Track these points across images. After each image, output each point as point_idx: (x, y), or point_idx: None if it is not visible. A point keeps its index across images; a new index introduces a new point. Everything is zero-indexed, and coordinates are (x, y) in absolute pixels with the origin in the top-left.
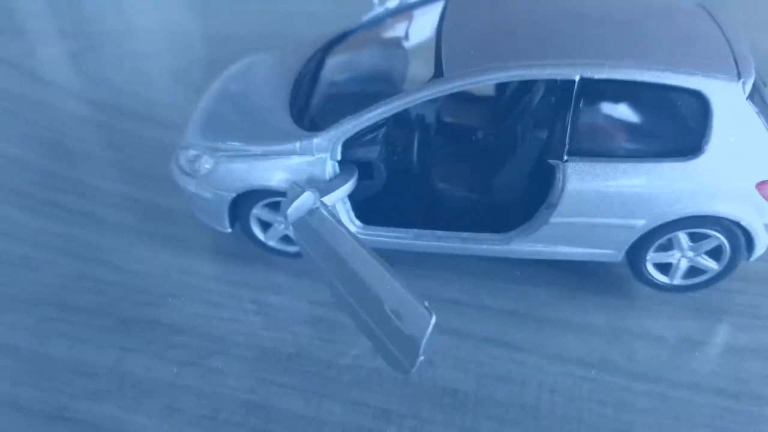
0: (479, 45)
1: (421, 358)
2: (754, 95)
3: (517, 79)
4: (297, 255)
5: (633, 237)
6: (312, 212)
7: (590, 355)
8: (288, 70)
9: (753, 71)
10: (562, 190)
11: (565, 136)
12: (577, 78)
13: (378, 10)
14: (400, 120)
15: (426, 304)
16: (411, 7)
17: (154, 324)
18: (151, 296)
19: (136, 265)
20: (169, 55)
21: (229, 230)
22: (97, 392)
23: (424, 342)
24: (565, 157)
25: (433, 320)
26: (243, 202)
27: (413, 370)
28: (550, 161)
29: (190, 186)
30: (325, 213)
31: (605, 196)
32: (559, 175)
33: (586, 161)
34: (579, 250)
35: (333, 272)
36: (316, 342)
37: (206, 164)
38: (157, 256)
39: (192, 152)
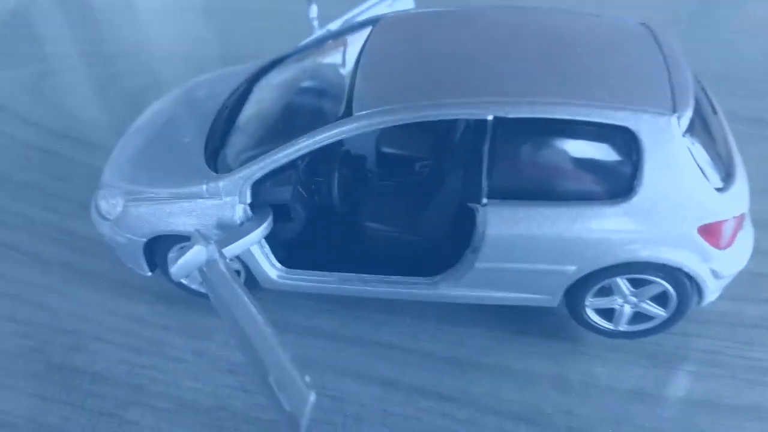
0: (394, 80)
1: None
2: (694, 129)
3: (429, 119)
4: None
5: (566, 282)
6: (210, 264)
7: (526, 408)
8: (214, 100)
9: (691, 102)
10: (483, 234)
11: (483, 178)
12: (490, 118)
13: (318, 32)
14: (321, 155)
15: (307, 379)
16: (348, 32)
17: (76, 371)
18: (78, 339)
19: (67, 305)
20: (129, 77)
21: (149, 273)
22: None
23: (304, 421)
24: (485, 200)
25: (312, 398)
26: (159, 246)
27: None
28: (469, 204)
29: (105, 229)
30: (221, 267)
31: (530, 240)
32: (480, 219)
33: (506, 204)
34: (510, 295)
35: (229, 328)
36: (236, 393)
37: (118, 207)
38: (90, 296)
39: (104, 193)
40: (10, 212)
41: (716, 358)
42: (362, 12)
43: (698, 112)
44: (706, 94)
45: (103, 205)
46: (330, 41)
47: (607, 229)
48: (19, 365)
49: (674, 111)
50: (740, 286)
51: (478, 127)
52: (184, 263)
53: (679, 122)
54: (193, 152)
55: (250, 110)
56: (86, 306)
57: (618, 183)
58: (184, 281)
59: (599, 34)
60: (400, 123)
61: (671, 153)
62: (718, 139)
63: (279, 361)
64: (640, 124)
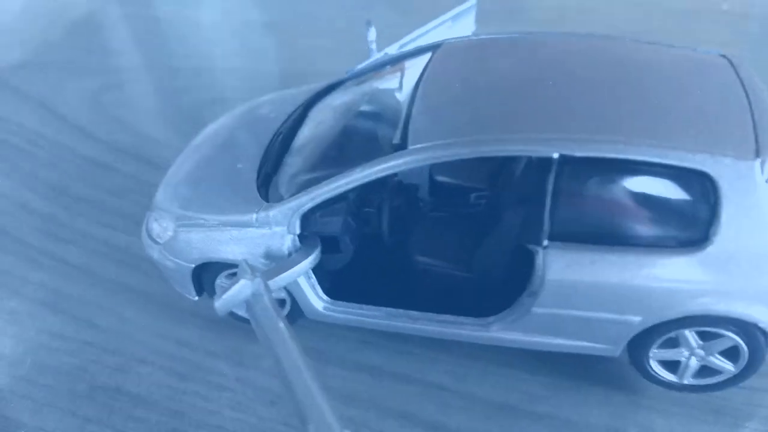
0: (452, 112)
1: None
2: None
3: (488, 155)
4: None
5: (630, 333)
6: (255, 298)
7: None
8: (271, 124)
9: None
10: (543, 278)
11: (544, 219)
12: (555, 155)
13: (376, 56)
14: (372, 185)
15: None
16: (408, 57)
17: (119, 392)
18: (123, 360)
19: (115, 325)
20: (190, 93)
21: (196, 298)
22: None
23: None
24: (545, 242)
25: None
26: (208, 270)
27: None
28: (529, 246)
29: (154, 253)
30: (266, 302)
31: (593, 287)
32: (539, 262)
33: (569, 248)
34: (569, 342)
35: (273, 361)
36: (277, 427)
37: (168, 231)
38: (138, 316)
39: (155, 216)
40: (65, 226)
41: None
42: (421, 35)
43: None
44: None
45: (155, 227)
46: (388, 66)
47: (678, 279)
48: (64, 383)
49: (758, 155)
50: None
51: (541, 163)
52: (229, 298)
53: (763, 168)
54: (246, 179)
55: (303, 137)
56: (133, 326)
57: (692, 231)
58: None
59: (675, 67)
60: (457, 158)
61: (753, 201)
62: None
63: (320, 410)
64: (720, 168)
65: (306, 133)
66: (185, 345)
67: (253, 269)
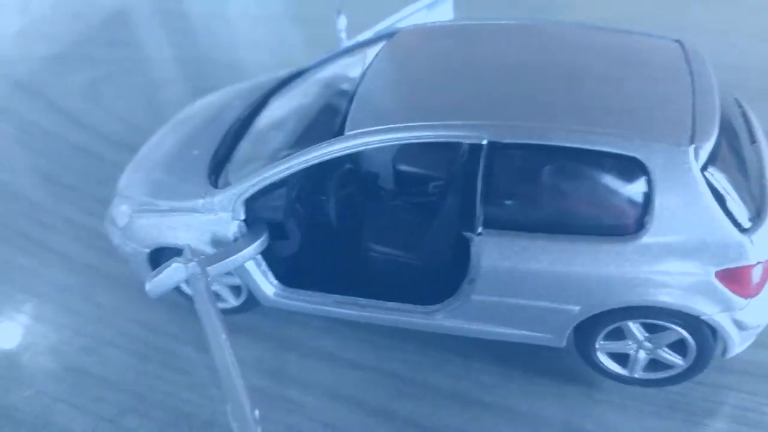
0: (392, 99)
1: None
2: (717, 161)
3: (420, 141)
4: (234, 310)
5: (570, 323)
6: (192, 281)
7: None
8: (231, 113)
9: (714, 132)
10: (478, 265)
11: (477, 206)
12: (484, 142)
13: (345, 44)
14: (323, 172)
15: (256, 413)
16: (366, 45)
17: (86, 374)
18: (93, 342)
19: (88, 308)
20: (182, 82)
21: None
22: None
23: None
24: (480, 230)
25: None
26: (165, 257)
27: None
28: (464, 233)
29: (115, 238)
30: (200, 286)
31: (528, 275)
32: (474, 249)
33: (503, 235)
34: (511, 331)
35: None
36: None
37: (125, 216)
38: (111, 301)
39: (116, 201)
40: (50, 212)
41: (748, 415)
42: (396, 22)
43: (728, 142)
44: (747, 120)
45: (115, 212)
46: (348, 55)
47: (614, 268)
48: (36, 363)
49: (692, 141)
50: None
51: (474, 151)
52: (159, 280)
53: (696, 154)
54: (199, 165)
55: (258, 125)
56: (105, 310)
57: (627, 218)
58: (187, 290)
59: (622, 52)
60: (391, 143)
61: (686, 188)
62: (752, 173)
63: (235, 391)
64: (651, 154)
65: (261, 121)
66: (151, 329)
67: (196, 254)
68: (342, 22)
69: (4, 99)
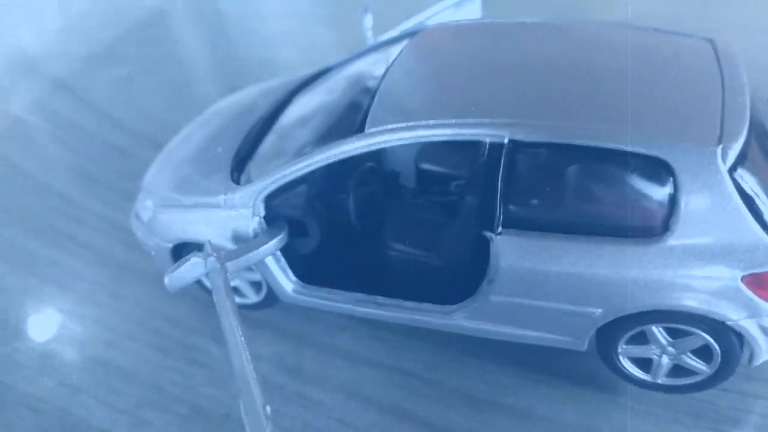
0: (413, 97)
1: None
2: (746, 162)
3: (441, 139)
4: (254, 306)
5: (592, 326)
6: (211, 275)
7: None
8: (255, 112)
9: (743, 132)
10: (498, 265)
11: (497, 205)
12: (505, 140)
13: (371, 42)
14: (345, 170)
15: (268, 410)
16: (389, 44)
17: (107, 366)
18: (115, 335)
19: (111, 301)
20: (211, 81)
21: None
22: (37, 429)
23: None
24: (499, 229)
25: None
26: (186, 251)
27: None
28: (484, 233)
29: (139, 232)
30: (219, 281)
31: (548, 276)
32: (494, 249)
33: (522, 235)
34: (530, 333)
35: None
36: None
37: (149, 211)
38: (134, 294)
39: (141, 197)
40: (79, 207)
41: None
42: (424, 21)
43: (759, 143)
44: None
45: (140, 207)
46: (371, 54)
47: (637, 270)
48: (57, 354)
49: (720, 142)
50: None
51: (494, 149)
52: (179, 275)
53: (724, 155)
54: (222, 162)
55: (281, 123)
56: (129, 304)
57: (651, 220)
58: (209, 285)
59: (653, 52)
60: (411, 141)
61: (713, 189)
62: None
63: (248, 386)
64: (677, 155)
65: (284, 120)
66: (172, 322)
67: (216, 250)
68: (368, 20)
69: (41, 95)
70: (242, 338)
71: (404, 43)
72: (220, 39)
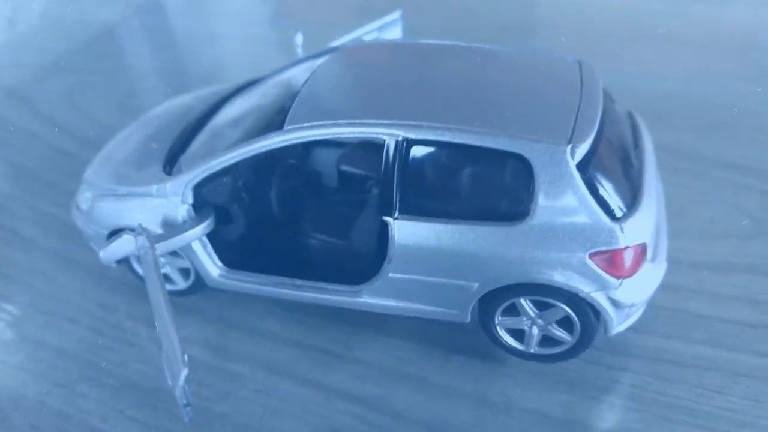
0: (326, 101)
1: (188, 407)
2: (593, 159)
3: (345, 135)
4: (182, 292)
5: (472, 299)
6: (140, 256)
7: (436, 419)
8: (190, 114)
9: (590, 135)
10: (394, 245)
11: (394, 194)
12: (400, 138)
13: (300, 55)
14: (267, 165)
15: (186, 357)
16: (313, 58)
17: (43, 345)
18: (53, 319)
19: (51, 288)
20: (161, 92)
21: (114, 265)
22: None
23: (177, 391)
24: (396, 214)
25: (184, 373)
26: None
27: (186, 420)
28: (384, 218)
29: (79, 221)
30: (149, 257)
31: (435, 255)
32: (391, 232)
33: (414, 220)
34: (424, 307)
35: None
36: None
37: (88, 200)
38: (72, 282)
39: (81, 189)
40: (26, 205)
41: (634, 391)
42: (350, 40)
43: (611, 146)
44: (635, 131)
45: (80, 198)
46: (298, 66)
47: (504, 249)
48: None
49: (570, 142)
50: (674, 324)
51: (391, 147)
52: (112, 249)
53: (572, 152)
54: (156, 156)
55: (213, 124)
56: (67, 291)
57: (515, 206)
58: (141, 272)
59: (527, 69)
60: (322, 138)
61: (563, 180)
62: (630, 172)
63: (169, 339)
64: (533, 152)
65: (216, 120)
66: (109, 308)
67: (146, 231)
68: (299, 38)
69: None
70: (166, 299)
71: (326, 57)
72: (167, 55)
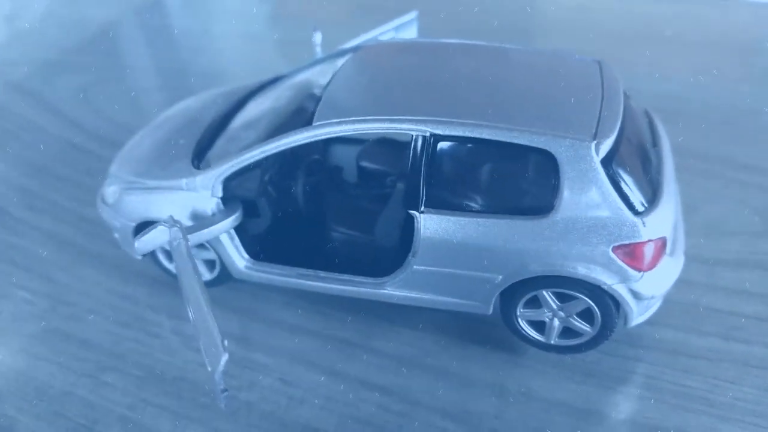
0: (353, 99)
1: (225, 393)
2: (616, 155)
3: (374, 131)
4: (208, 284)
5: (494, 291)
6: (173, 244)
7: (456, 407)
8: (215, 110)
9: (614, 131)
10: (420, 238)
11: (421, 188)
12: (427, 134)
13: (319, 54)
14: (296, 161)
15: (225, 343)
16: (336, 57)
17: (68, 336)
18: (76, 310)
19: (72, 281)
20: (165, 90)
21: (139, 257)
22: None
23: (217, 377)
24: (422, 208)
25: (225, 358)
26: None
27: (222, 405)
28: (410, 211)
29: (105, 214)
30: (182, 247)
31: (460, 248)
32: (417, 225)
33: (441, 213)
34: (447, 299)
35: (185, 298)
36: (200, 368)
37: (116, 194)
38: (93, 275)
39: (108, 182)
40: (42, 198)
41: (650, 382)
42: (367, 40)
43: (631, 143)
44: (653, 128)
45: (106, 191)
46: (319, 65)
47: (529, 242)
48: (21, 327)
49: (594, 138)
50: (689, 317)
51: (419, 142)
52: (147, 240)
53: (596, 148)
54: (184, 152)
55: (238, 120)
56: (88, 283)
57: (540, 201)
58: (166, 265)
59: (550, 69)
60: (351, 133)
61: (588, 176)
62: (650, 169)
63: (207, 327)
64: (559, 148)
65: (242, 116)
66: (131, 300)
67: (178, 222)
68: (318, 37)
69: (2, 97)
70: (202, 287)
71: (347, 56)
72: (170, 53)
